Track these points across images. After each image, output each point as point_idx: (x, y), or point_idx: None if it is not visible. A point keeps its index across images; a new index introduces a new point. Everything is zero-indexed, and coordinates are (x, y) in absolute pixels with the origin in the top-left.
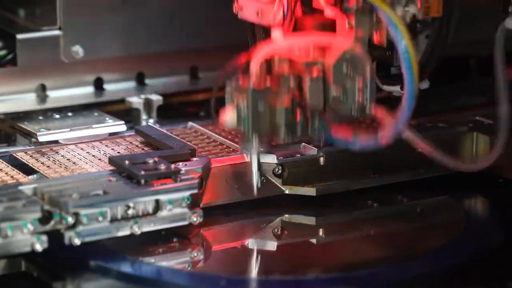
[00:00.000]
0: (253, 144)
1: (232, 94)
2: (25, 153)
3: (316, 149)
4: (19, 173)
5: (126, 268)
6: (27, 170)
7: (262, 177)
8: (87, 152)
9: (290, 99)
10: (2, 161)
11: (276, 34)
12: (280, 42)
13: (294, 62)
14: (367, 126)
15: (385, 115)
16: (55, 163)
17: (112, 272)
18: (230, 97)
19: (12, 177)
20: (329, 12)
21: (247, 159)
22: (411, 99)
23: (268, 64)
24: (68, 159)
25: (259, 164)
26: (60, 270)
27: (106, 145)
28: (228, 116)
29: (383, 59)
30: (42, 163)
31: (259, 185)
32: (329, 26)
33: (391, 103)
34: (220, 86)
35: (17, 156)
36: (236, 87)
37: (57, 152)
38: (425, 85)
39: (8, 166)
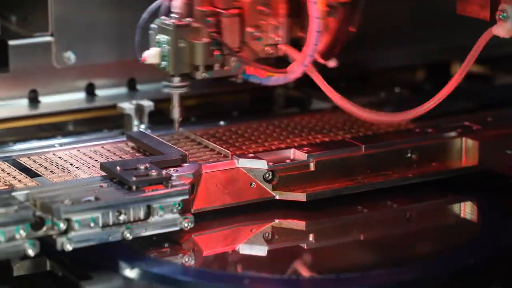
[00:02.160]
0: (175, 80)
1: (156, 31)
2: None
3: (306, 154)
4: (26, 177)
5: (149, 267)
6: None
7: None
8: (79, 158)
9: (209, 36)
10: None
11: None
12: None
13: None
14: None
15: (295, 51)
16: (46, 169)
17: (136, 272)
18: (154, 34)
19: (19, 181)
20: None
21: (236, 163)
22: (317, 34)
23: (190, 1)
24: (58, 165)
25: (180, 101)
26: (84, 270)
27: (98, 151)
28: (151, 52)
29: None
30: (39, 165)
31: (179, 120)
32: None
33: None
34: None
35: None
36: (160, 24)
37: (48, 158)
38: (333, 63)
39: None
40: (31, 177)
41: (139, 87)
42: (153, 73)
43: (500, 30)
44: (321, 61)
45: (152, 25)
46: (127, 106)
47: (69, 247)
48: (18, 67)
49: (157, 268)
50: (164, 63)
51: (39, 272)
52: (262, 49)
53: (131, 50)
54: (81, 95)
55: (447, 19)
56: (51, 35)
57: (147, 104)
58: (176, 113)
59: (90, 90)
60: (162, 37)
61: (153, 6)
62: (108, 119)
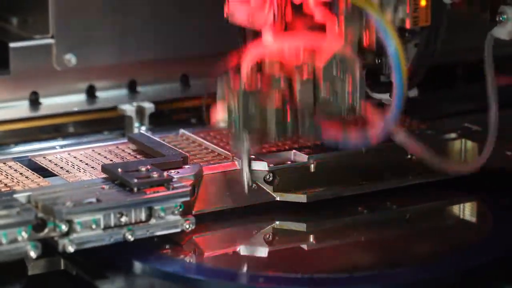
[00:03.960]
0: (244, 144)
1: (223, 94)
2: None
3: (307, 156)
4: (39, 177)
5: (164, 266)
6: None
7: (252, 178)
8: (80, 160)
9: (281, 100)
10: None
11: (267, 36)
12: (270, 44)
13: (285, 64)
14: (357, 126)
15: (375, 114)
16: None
17: (150, 270)
18: (222, 98)
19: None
20: (319, 15)
21: (237, 165)
22: (400, 99)
23: (259, 66)
24: (61, 167)
25: (250, 164)
26: (98, 269)
27: (99, 153)
28: (220, 116)
29: (373, 67)
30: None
31: (250, 184)
32: (319, 29)
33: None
34: (212, 90)
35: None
36: (227, 87)
37: (50, 160)
38: (413, 93)
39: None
40: (31, 177)
41: (139, 89)
42: (154, 74)
43: (500, 32)
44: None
45: (218, 90)
46: (128, 108)
47: (70, 249)
48: (19, 69)
49: (171, 267)
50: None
51: (53, 271)
52: (337, 114)
53: (132, 51)
54: (82, 97)
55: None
56: (52, 37)
57: (148, 106)
58: (246, 178)
59: (90, 92)
60: (231, 101)
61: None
62: (109, 121)
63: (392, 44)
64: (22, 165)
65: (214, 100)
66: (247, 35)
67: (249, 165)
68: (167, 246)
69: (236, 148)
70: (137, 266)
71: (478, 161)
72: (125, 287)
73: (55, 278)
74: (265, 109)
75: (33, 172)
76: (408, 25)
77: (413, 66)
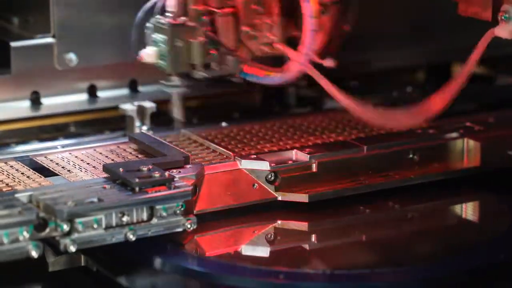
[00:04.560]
0: (174, 80)
1: (152, 30)
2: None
3: (309, 156)
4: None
5: (184, 262)
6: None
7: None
8: (81, 160)
9: (205, 35)
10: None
11: None
12: None
13: None
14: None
15: (290, 50)
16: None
17: (170, 267)
18: (149, 32)
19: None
20: None
21: (239, 165)
22: (312, 33)
23: (185, 2)
24: (62, 167)
25: (180, 100)
26: (119, 265)
27: (100, 153)
28: (149, 52)
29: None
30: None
31: (182, 119)
32: None
33: None
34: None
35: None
36: (156, 23)
37: (51, 160)
38: (329, 63)
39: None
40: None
41: (140, 88)
42: (155, 74)
43: (502, 31)
44: (318, 60)
45: (148, 24)
46: (129, 108)
47: (72, 249)
48: (20, 68)
49: (192, 263)
50: (162, 62)
51: (74, 267)
52: (258, 48)
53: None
54: (83, 96)
55: (448, 19)
56: (53, 36)
57: (149, 105)
58: (176, 112)
59: (92, 92)
60: (159, 36)
61: (148, 4)
62: (110, 120)
63: None
64: (23, 165)
65: None
66: None
67: (181, 103)
68: (186, 243)
69: (167, 86)
70: (158, 262)
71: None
72: (146, 283)
73: (75, 275)
74: (191, 42)
75: (34, 172)
76: None
77: (327, 37)
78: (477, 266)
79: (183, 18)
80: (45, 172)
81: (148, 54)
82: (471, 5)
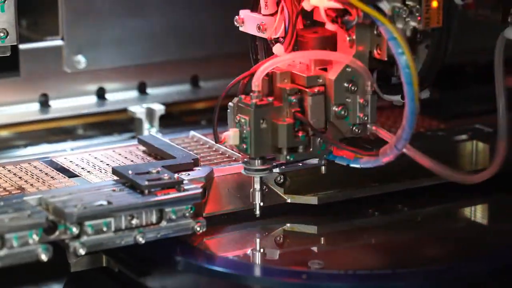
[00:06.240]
0: (255, 164)
1: (234, 111)
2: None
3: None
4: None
5: (205, 263)
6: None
7: (265, 190)
8: (90, 163)
9: (292, 116)
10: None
11: (278, 48)
12: (281, 56)
13: (296, 77)
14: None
15: (386, 134)
16: (59, 174)
17: (191, 267)
18: (232, 114)
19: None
20: (330, 26)
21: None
22: (412, 117)
23: (270, 79)
24: (82, 168)
25: (261, 184)
26: (140, 265)
27: (109, 155)
28: (230, 134)
29: (384, 69)
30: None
31: (261, 204)
32: (330, 40)
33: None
34: (222, 103)
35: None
36: (238, 103)
37: (59, 163)
38: (425, 94)
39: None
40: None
41: (149, 90)
42: (164, 76)
43: None
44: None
45: (230, 104)
46: (138, 110)
47: (82, 252)
48: (29, 71)
49: (212, 264)
50: (244, 146)
51: (95, 267)
52: (348, 129)
53: (142, 54)
54: (92, 99)
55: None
56: (62, 39)
57: (158, 107)
58: (257, 197)
59: (100, 94)
60: (242, 117)
61: (230, 85)
62: (118, 123)
63: (403, 57)
64: (46, 165)
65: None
66: (257, 45)
67: (261, 186)
68: (206, 243)
69: (248, 169)
70: (179, 262)
71: (490, 170)
72: (167, 283)
73: (97, 275)
74: (276, 124)
75: (58, 173)
76: (420, 27)
77: (424, 68)
78: (491, 269)
79: (268, 98)
80: (65, 173)
81: (231, 136)
82: (480, 7)
